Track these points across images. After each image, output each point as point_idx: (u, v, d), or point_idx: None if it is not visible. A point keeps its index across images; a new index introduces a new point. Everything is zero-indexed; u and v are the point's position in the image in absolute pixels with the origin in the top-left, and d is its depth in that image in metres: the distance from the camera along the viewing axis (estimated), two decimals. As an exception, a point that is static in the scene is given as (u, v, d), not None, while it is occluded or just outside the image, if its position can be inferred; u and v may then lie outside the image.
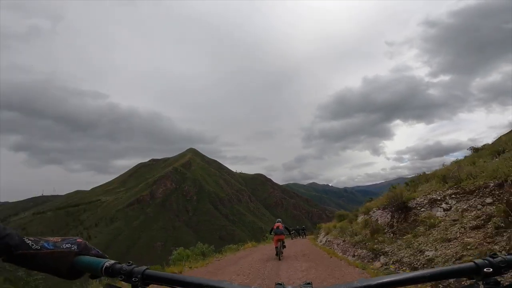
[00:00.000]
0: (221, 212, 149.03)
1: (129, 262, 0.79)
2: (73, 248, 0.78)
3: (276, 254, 10.85)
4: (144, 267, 0.79)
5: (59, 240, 0.78)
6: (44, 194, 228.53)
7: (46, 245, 0.78)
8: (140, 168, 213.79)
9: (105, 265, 0.79)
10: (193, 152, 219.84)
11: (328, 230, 17.50)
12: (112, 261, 0.79)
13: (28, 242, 0.78)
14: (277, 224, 11.31)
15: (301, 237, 27.74)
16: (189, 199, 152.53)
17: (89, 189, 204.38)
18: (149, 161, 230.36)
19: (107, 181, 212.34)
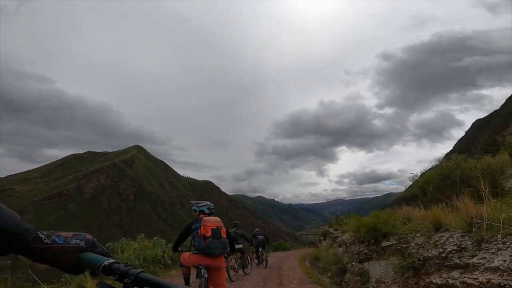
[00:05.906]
0: (160, 216, 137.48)
1: (126, 263, 0.80)
2: (81, 244, 0.80)
3: None
4: (139, 270, 0.80)
5: (70, 235, 0.81)
6: None
7: (57, 240, 0.80)
8: (72, 159, 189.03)
9: (103, 264, 0.80)
10: (138, 149, 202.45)
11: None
12: (111, 260, 0.80)
13: (41, 236, 0.80)
14: (206, 219, 3.61)
15: (256, 261, 11.64)
16: (125, 198, 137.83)
17: (4, 176, 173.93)
18: (85, 153, 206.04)
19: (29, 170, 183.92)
